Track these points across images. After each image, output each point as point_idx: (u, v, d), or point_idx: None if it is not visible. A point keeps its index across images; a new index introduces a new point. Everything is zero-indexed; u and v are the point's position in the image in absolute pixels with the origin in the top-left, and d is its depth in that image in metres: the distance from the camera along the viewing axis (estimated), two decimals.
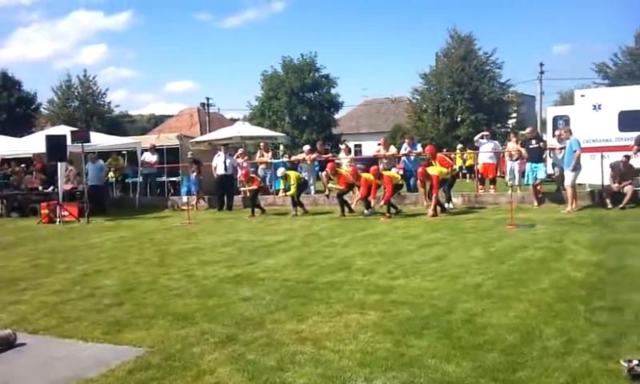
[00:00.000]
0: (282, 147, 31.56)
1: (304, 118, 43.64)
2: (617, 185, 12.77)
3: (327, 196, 16.02)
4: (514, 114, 44.70)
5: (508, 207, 11.53)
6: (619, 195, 12.57)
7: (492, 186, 17.00)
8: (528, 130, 15.46)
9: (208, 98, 51.88)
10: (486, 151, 17.33)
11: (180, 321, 5.37)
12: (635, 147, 11.96)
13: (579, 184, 13.56)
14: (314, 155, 17.87)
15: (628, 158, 12.79)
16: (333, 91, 44.85)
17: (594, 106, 15.54)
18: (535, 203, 13.63)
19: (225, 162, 16.81)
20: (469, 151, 26.07)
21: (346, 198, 13.97)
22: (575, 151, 12.33)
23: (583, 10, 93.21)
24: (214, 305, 5.90)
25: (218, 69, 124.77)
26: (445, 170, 13.25)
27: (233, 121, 44.12)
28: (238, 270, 7.70)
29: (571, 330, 4.59)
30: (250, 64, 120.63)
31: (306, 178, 16.27)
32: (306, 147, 18.80)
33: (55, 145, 15.04)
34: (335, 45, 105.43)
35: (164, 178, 19.73)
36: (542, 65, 46.15)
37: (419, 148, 16.87)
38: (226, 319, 5.36)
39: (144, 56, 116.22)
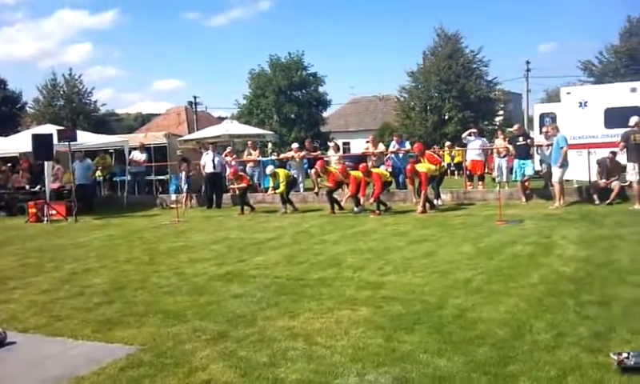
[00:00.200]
0: (270, 145, 31.58)
1: (292, 116, 43.67)
2: (604, 181, 12.91)
3: (316, 193, 16.07)
4: (501, 112, 45.10)
5: (496, 203, 11.59)
6: (606, 191, 12.70)
7: (480, 183, 17.10)
8: (515, 127, 15.57)
9: (195, 97, 51.77)
10: (473, 148, 17.46)
11: (171, 318, 5.35)
12: (621, 144, 12.09)
13: (567, 180, 13.67)
14: (302, 153, 17.89)
15: (614, 154, 12.91)
16: (321, 89, 45.04)
17: (580, 103, 15.70)
18: (523, 199, 13.73)
19: (213, 160, 16.77)
20: (457, 148, 26.18)
21: (335, 195, 13.99)
22: (562, 148, 12.43)
23: (568, 8, 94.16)
24: (205, 302, 5.89)
25: (206, 67, 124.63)
26: (433, 167, 13.33)
27: (220, 119, 44.11)
28: (229, 267, 7.67)
29: (561, 323, 4.64)
30: (238, 62, 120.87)
31: (295, 176, 16.26)
32: (295, 145, 18.86)
33: (41, 144, 14.95)
34: (322, 43, 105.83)
35: (152, 177, 19.63)
36: (528, 63, 46.69)
37: (407, 145, 16.94)
38: (218, 316, 5.35)
39: (130, 55, 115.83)
